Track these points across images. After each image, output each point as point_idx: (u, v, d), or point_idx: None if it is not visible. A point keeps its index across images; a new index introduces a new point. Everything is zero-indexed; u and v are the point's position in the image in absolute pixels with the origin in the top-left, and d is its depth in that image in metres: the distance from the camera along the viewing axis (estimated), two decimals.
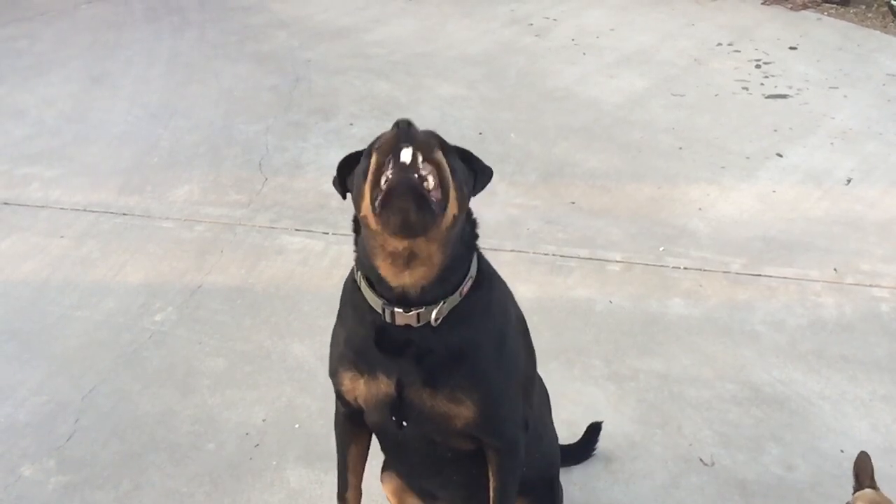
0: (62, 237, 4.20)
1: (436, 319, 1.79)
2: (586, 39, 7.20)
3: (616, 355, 3.37)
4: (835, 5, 8.08)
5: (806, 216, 4.45)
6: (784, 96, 6.03)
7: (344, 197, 1.90)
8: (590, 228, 4.29)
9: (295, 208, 4.45)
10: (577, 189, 4.71)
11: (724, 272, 3.93)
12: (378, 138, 1.69)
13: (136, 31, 7.37)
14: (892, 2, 7.54)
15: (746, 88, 6.16)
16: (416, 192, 1.59)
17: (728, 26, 7.56)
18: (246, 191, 4.64)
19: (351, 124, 5.50)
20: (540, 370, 2.29)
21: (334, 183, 1.91)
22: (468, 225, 1.85)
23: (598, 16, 7.86)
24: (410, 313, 1.78)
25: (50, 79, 6.27)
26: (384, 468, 2.41)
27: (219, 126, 5.47)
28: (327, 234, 4.20)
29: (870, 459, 2.26)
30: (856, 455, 2.30)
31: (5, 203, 4.53)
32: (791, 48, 7.01)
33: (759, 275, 3.91)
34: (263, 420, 3.04)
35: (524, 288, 3.68)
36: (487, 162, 1.94)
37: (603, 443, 2.89)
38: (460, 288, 1.82)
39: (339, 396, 2.01)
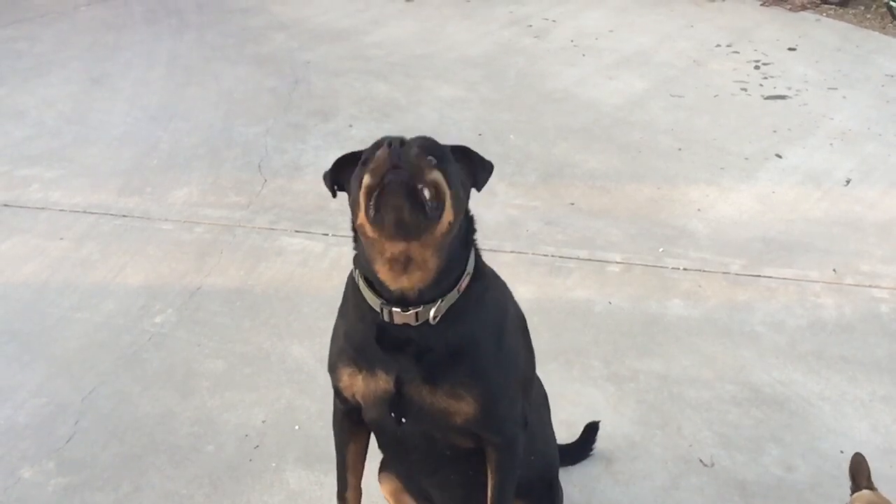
0: (62, 239, 4.20)
1: (434, 317, 1.80)
2: (585, 41, 7.21)
3: (615, 356, 3.37)
4: (834, 6, 8.08)
5: (805, 217, 4.45)
6: (783, 97, 6.03)
7: (334, 195, 1.93)
8: (589, 229, 4.29)
9: (294, 210, 4.46)
10: (577, 190, 4.71)
11: (724, 273, 3.93)
12: (374, 146, 1.72)
13: (135, 33, 7.38)
14: (891, 3, 7.55)
15: (745, 89, 6.16)
16: (410, 193, 1.62)
17: (727, 27, 7.57)
18: (245, 192, 4.64)
19: (350, 126, 5.50)
20: (539, 371, 2.30)
21: (324, 178, 1.92)
22: (465, 222, 1.87)
23: (597, 17, 7.86)
24: (408, 312, 1.80)
25: (50, 80, 6.27)
26: (382, 469, 2.41)
27: (218, 128, 5.48)
28: (327, 235, 4.21)
29: (865, 460, 2.26)
30: None
31: (5, 205, 4.53)
32: (790, 49, 7.01)
33: (759, 275, 3.92)
34: (263, 422, 3.04)
35: (523, 289, 3.68)
36: None
37: (603, 444, 2.89)
38: (458, 285, 1.83)
39: (338, 393, 2.01)
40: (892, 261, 4.04)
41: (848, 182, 4.82)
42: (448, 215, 1.71)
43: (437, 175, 1.68)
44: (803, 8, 8.12)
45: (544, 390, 2.39)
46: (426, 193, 1.65)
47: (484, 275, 1.93)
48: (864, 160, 5.08)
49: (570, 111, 5.78)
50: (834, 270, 3.95)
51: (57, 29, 7.47)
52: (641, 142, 5.31)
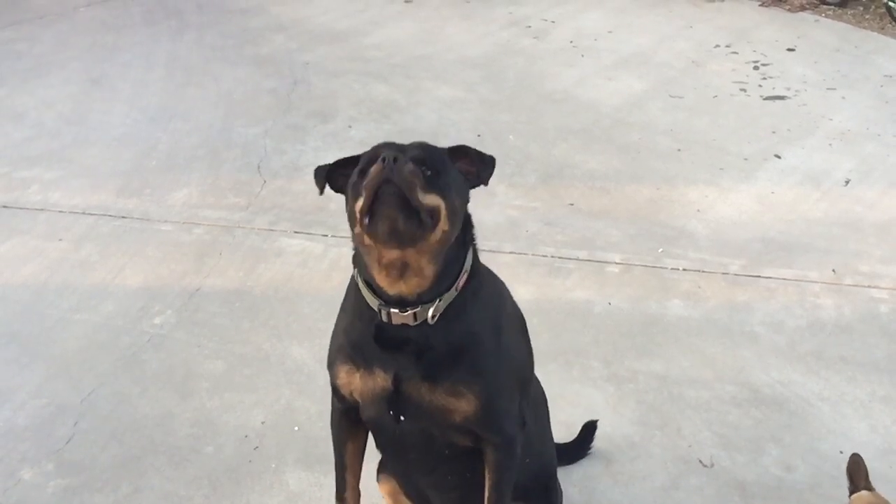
0: (61, 240, 4.20)
1: (432, 317, 1.82)
2: (584, 42, 7.21)
3: (615, 357, 3.37)
4: (832, 7, 8.09)
5: (805, 217, 4.45)
6: (782, 98, 6.04)
7: (321, 192, 1.94)
8: (589, 230, 4.29)
9: (294, 211, 4.45)
10: (576, 190, 4.71)
11: (723, 273, 3.94)
12: (371, 155, 1.75)
13: (134, 34, 7.38)
14: (890, 3, 7.55)
15: (744, 90, 6.17)
16: (404, 206, 1.66)
17: (726, 28, 7.57)
18: (245, 193, 4.64)
19: (349, 127, 5.50)
20: (538, 372, 2.30)
21: (316, 174, 1.93)
22: (463, 223, 1.87)
23: (596, 18, 7.87)
24: (406, 313, 1.81)
25: (49, 81, 6.27)
26: (380, 469, 2.41)
27: (217, 129, 5.48)
28: (326, 236, 4.20)
29: (863, 461, 2.25)
30: None
31: (4, 206, 4.53)
32: (789, 50, 7.02)
33: (758, 276, 3.92)
34: (262, 423, 3.04)
35: (523, 289, 3.68)
36: None
37: (602, 444, 2.89)
38: (456, 283, 1.84)
39: (335, 391, 2.02)
40: (891, 261, 4.04)
41: (847, 182, 4.82)
42: (443, 225, 1.74)
43: (431, 193, 1.70)
44: (802, 8, 8.12)
45: (543, 391, 2.39)
46: (420, 206, 1.67)
47: (480, 272, 1.94)
48: (864, 160, 5.08)
49: (570, 112, 5.78)
50: (833, 271, 3.95)
51: (56, 30, 7.47)
52: (641, 142, 5.31)
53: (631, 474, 2.82)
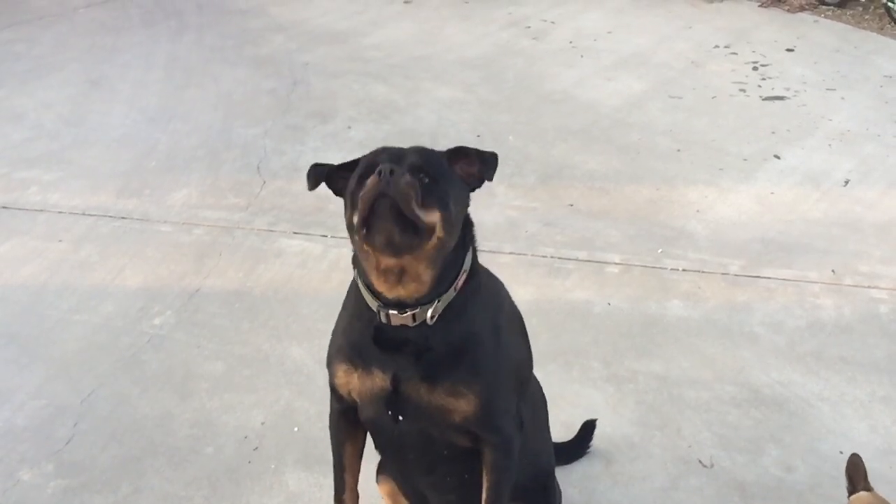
0: (60, 241, 4.19)
1: (431, 318, 1.82)
2: (584, 42, 7.22)
3: (615, 357, 3.37)
4: (832, 7, 8.10)
5: (804, 218, 4.45)
6: (781, 98, 6.04)
7: (310, 188, 1.93)
8: (588, 230, 4.29)
9: (293, 211, 4.45)
10: (576, 191, 4.71)
11: (723, 274, 3.93)
12: (368, 163, 1.76)
13: (133, 35, 7.38)
14: (889, 3, 7.56)
15: (744, 90, 6.17)
16: (399, 218, 1.67)
17: (725, 29, 7.58)
18: (244, 194, 4.64)
19: (349, 127, 5.50)
20: (538, 372, 2.30)
21: (309, 174, 1.92)
22: (463, 225, 1.87)
23: (596, 19, 7.87)
24: (405, 314, 1.81)
25: (48, 82, 6.27)
26: (380, 470, 2.41)
27: (217, 129, 5.48)
28: (326, 237, 4.20)
29: (862, 461, 2.25)
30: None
31: (4, 207, 4.53)
32: (788, 50, 7.02)
33: (758, 276, 3.92)
34: (262, 423, 3.04)
35: (523, 290, 3.68)
36: None
37: (602, 445, 2.88)
38: (455, 283, 1.84)
39: (334, 391, 2.02)
40: (890, 261, 4.04)
41: (847, 183, 4.82)
42: (440, 235, 1.75)
43: (427, 205, 1.71)
44: (801, 9, 8.13)
45: (543, 392, 2.39)
46: (416, 219, 1.69)
47: (479, 272, 1.95)
48: (863, 161, 5.08)
49: (569, 112, 5.78)
50: (833, 271, 3.95)
51: (55, 31, 7.47)
52: (640, 143, 5.32)
53: (631, 475, 2.82)
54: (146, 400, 3.15)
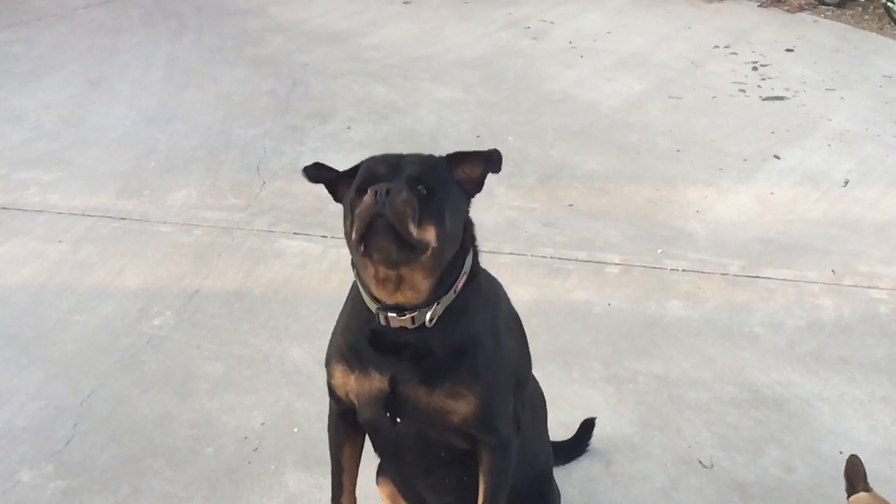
0: (60, 242, 4.19)
1: (430, 320, 1.82)
2: (583, 42, 7.22)
3: (615, 357, 3.36)
4: (831, 7, 8.10)
5: (804, 218, 4.45)
6: (781, 98, 6.04)
7: (308, 181, 1.93)
8: (588, 230, 4.29)
9: (293, 212, 4.45)
10: (576, 191, 4.71)
11: (723, 274, 3.93)
12: (366, 175, 1.77)
13: (133, 36, 7.38)
14: (889, 3, 7.56)
15: (743, 91, 6.17)
16: (395, 237, 1.67)
17: (725, 29, 7.58)
18: (244, 195, 4.64)
19: (348, 128, 5.50)
20: (538, 373, 2.29)
21: (308, 171, 1.92)
22: (464, 227, 1.87)
23: (595, 19, 7.87)
24: (405, 317, 1.81)
25: (48, 83, 6.27)
26: (380, 471, 2.41)
27: (216, 130, 5.47)
28: (325, 237, 4.20)
29: (860, 462, 2.25)
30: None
31: (3, 208, 4.52)
32: (788, 50, 7.02)
33: (758, 276, 3.92)
34: (262, 424, 3.04)
35: (522, 290, 3.68)
36: None
37: (602, 445, 2.88)
38: (455, 285, 1.84)
39: (331, 392, 2.02)
40: (890, 261, 4.04)
41: (846, 183, 4.82)
42: (437, 249, 1.75)
43: (423, 222, 1.71)
44: (801, 9, 8.13)
45: (542, 393, 2.38)
46: (411, 238, 1.69)
47: (479, 273, 1.95)
48: (863, 161, 5.09)
49: (569, 113, 5.78)
50: (833, 271, 3.95)
51: (55, 32, 7.46)
52: (640, 143, 5.32)
53: (630, 475, 2.82)
54: (146, 400, 3.15)
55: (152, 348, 3.43)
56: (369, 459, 2.21)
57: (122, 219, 4.41)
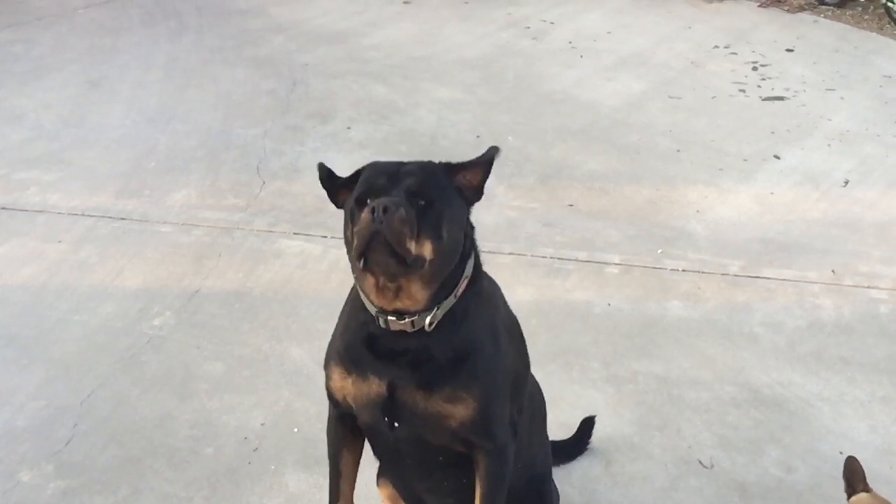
0: (60, 242, 4.19)
1: (430, 325, 1.82)
2: (583, 43, 7.21)
3: (615, 358, 3.36)
4: (831, 7, 8.10)
5: (804, 218, 4.45)
6: (781, 98, 6.04)
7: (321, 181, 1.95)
8: (588, 231, 4.29)
9: (293, 212, 4.45)
10: (576, 191, 4.71)
11: (723, 274, 3.93)
12: (368, 177, 1.80)
13: (133, 36, 7.37)
14: (889, 3, 7.56)
15: (743, 91, 6.17)
16: (393, 253, 1.69)
17: (725, 29, 7.57)
18: (244, 195, 4.64)
19: (348, 128, 5.50)
20: (538, 373, 2.29)
21: (321, 169, 1.94)
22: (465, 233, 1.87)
23: (595, 19, 7.87)
24: (404, 321, 1.81)
25: (47, 83, 6.26)
26: (380, 474, 2.41)
27: (216, 130, 5.47)
28: (325, 237, 4.20)
29: (859, 464, 2.25)
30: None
31: (3, 208, 4.52)
32: (788, 50, 7.02)
33: (758, 277, 3.92)
34: (262, 424, 3.04)
35: (522, 291, 3.68)
36: None
37: (602, 445, 2.88)
38: (455, 290, 1.84)
39: (329, 395, 2.01)
40: (890, 261, 4.04)
41: (846, 183, 4.82)
42: (435, 262, 1.76)
43: (421, 238, 1.72)
44: (801, 9, 8.13)
45: (542, 394, 2.38)
46: (409, 255, 1.70)
47: (480, 277, 1.95)
48: (863, 161, 5.08)
49: (569, 113, 5.78)
50: (833, 271, 3.95)
51: (55, 32, 7.46)
52: (640, 143, 5.32)
53: (630, 475, 2.82)
54: (146, 401, 3.15)
55: (152, 348, 3.43)
56: (370, 461, 2.21)
57: (122, 219, 4.41)
